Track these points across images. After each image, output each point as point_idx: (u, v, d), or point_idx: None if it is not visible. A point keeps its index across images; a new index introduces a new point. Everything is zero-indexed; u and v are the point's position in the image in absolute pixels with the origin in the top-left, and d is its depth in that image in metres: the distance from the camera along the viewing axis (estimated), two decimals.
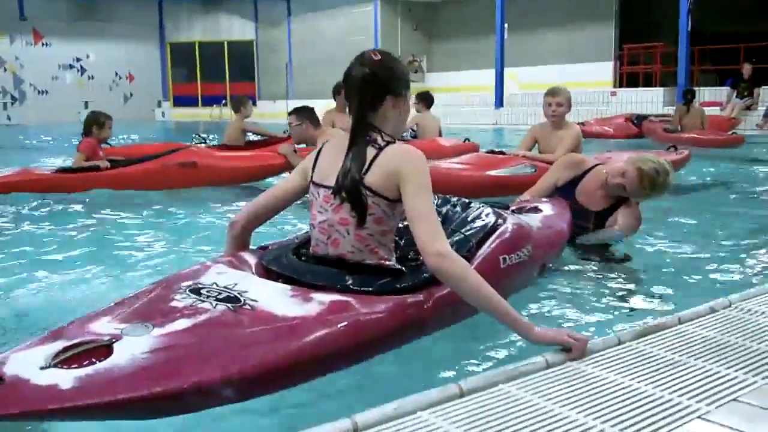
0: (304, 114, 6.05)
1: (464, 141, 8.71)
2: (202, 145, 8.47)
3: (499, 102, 18.52)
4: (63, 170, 6.57)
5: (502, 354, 2.35)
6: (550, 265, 3.32)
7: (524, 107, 17.68)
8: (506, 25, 18.15)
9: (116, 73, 28.08)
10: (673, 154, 6.90)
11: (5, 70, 25.71)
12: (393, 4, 23.45)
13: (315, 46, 25.39)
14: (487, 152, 6.27)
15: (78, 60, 27.22)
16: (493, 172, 5.53)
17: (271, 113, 24.04)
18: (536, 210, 3.59)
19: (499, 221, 2.91)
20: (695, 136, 10.91)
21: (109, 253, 4.10)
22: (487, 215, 2.96)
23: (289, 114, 6.18)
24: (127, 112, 25.63)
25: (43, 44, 26.38)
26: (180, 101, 28.97)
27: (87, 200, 6.07)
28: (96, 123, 6.64)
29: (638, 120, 13.33)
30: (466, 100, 20.11)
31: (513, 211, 3.46)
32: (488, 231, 2.78)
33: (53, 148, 12.99)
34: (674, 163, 6.64)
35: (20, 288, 3.33)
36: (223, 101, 25.61)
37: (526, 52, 20.24)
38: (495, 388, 1.74)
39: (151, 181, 6.49)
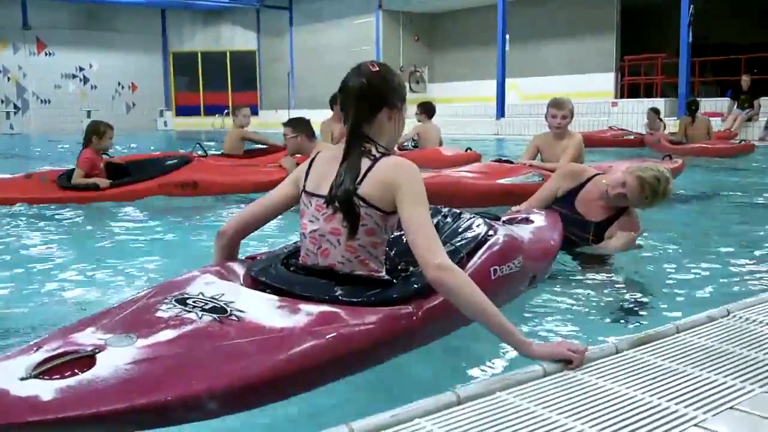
0: (300, 126, 5.96)
1: (466, 150, 8.75)
2: (202, 155, 8.26)
3: (501, 113, 18.57)
4: (62, 186, 6.41)
5: (499, 362, 2.35)
6: (541, 276, 3.30)
7: (525, 118, 17.72)
8: (507, 36, 18.21)
9: (119, 83, 28.19)
10: (668, 163, 6.97)
11: (8, 79, 25.83)
12: (395, 15, 23.54)
13: (317, 57, 25.48)
14: (495, 161, 6.33)
15: (81, 69, 27.34)
16: (502, 181, 5.57)
17: (273, 123, 24.09)
18: (527, 221, 3.57)
19: (490, 232, 2.89)
20: (705, 146, 10.96)
21: (96, 261, 4.06)
22: (477, 226, 2.94)
23: (284, 125, 6.08)
24: (130, 122, 25.73)
25: (46, 53, 26.50)
26: (182, 111, 29.07)
27: (78, 207, 6.05)
28: (96, 132, 6.49)
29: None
30: (467, 111, 20.16)
31: (504, 222, 3.44)
32: (479, 242, 2.76)
33: (55, 157, 13.00)
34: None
35: (2, 297, 3.28)
36: (226, 111, 25.68)
37: (528, 63, 20.31)
38: (492, 396, 1.74)
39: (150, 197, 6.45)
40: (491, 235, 2.86)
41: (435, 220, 3.07)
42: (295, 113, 24.79)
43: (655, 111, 12.87)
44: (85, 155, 6.49)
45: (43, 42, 26.32)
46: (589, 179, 4.03)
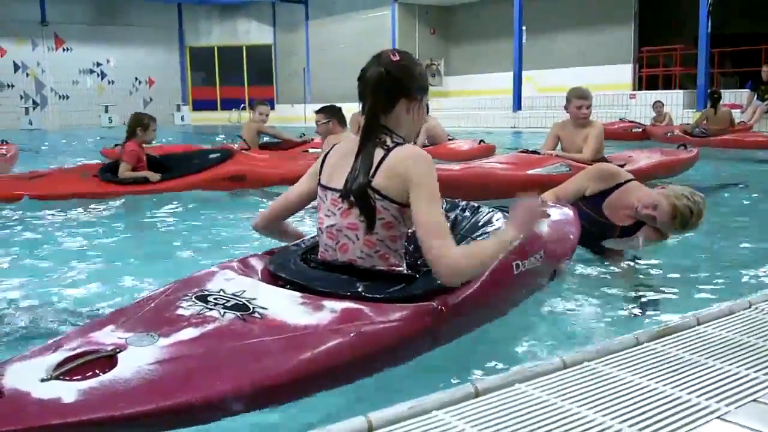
0: (331, 112, 6.18)
1: (479, 143, 8.74)
2: (245, 148, 7.75)
3: (517, 105, 18.47)
4: (109, 181, 6.26)
5: (518, 353, 2.34)
6: (562, 271, 3.26)
7: (542, 110, 17.61)
8: (524, 28, 18.10)
9: (136, 78, 28.33)
10: (683, 152, 7.00)
11: (27, 75, 26.04)
12: (410, 8, 23.46)
13: (333, 50, 25.46)
14: (521, 152, 6.38)
15: (98, 65, 27.50)
16: (531, 172, 5.61)
17: (290, 117, 24.14)
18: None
19: None
20: (738, 138, 10.90)
21: (117, 256, 4.05)
22: (497, 220, 2.90)
23: (317, 112, 6.28)
24: None
25: (64, 49, 26.67)
26: (199, 105, 29.17)
27: (100, 200, 6.04)
28: (141, 124, 6.44)
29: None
30: (484, 104, 20.08)
31: None
32: None
33: (76, 153, 13.08)
34: (683, 162, 6.74)
35: (21, 293, 3.24)
36: (242, 105, 25.74)
37: (544, 54, 20.16)
38: (511, 387, 1.72)
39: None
40: None
41: (453, 215, 3.06)
42: (311, 107, 24.84)
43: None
44: (129, 148, 6.43)
45: (60, 38, 26.50)
46: (620, 184, 3.86)
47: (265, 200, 6.01)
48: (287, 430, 1.86)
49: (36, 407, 1.49)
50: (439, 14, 23.89)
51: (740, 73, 17.78)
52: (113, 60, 27.66)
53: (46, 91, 26.45)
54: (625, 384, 1.74)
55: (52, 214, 5.57)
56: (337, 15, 25.54)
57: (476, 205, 3.15)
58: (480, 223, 2.94)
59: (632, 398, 1.66)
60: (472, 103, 20.20)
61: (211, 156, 6.89)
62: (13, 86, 25.74)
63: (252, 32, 28.98)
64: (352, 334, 1.90)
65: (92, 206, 5.89)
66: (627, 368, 1.85)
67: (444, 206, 3.01)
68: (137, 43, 27.87)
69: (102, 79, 27.66)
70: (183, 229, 5.03)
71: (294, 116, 24.57)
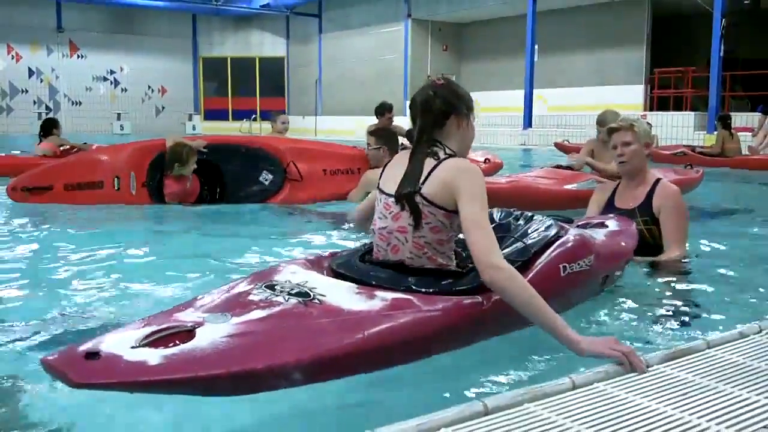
0: (384, 139, 5.84)
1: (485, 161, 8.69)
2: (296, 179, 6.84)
3: (528, 123, 18.49)
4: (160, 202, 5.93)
5: (528, 372, 2.33)
6: (614, 278, 3.32)
7: (552, 129, 17.62)
8: (536, 47, 18.16)
9: (149, 86, 28.55)
10: (691, 172, 7.07)
11: (41, 80, 26.25)
12: (423, 24, 23.57)
13: (345, 64, 25.59)
14: (555, 167, 6.76)
15: (112, 72, 27.75)
16: (568, 187, 5.89)
17: (300, 129, 24.22)
18: (602, 225, 3.62)
19: (561, 233, 2.95)
20: (758, 159, 11.03)
21: (192, 261, 4.14)
22: (548, 228, 3.01)
23: (369, 133, 5.99)
24: (159, 125, 26.05)
25: (78, 56, 26.92)
26: (211, 115, 29.34)
27: (173, 211, 5.95)
28: (178, 160, 5.73)
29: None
30: (494, 121, 20.11)
31: (578, 226, 3.48)
32: (549, 241, 2.85)
33: None
34: (690, 182, 6.90)
35: (111, 289, 3.43)
36: (253, 116, 25.85)
37: (556, 73, 20.21)
38: (520, 407, 1.72)
39: None
40: (562, 235, 2.92)
41: (507, 221, 3.23)
42: (322, 120, 25.00)
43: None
44: (169, 189, 5.89)
45: (75, 44, 26.73)
46: (616, 187, 4.17)
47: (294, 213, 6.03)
48: None
49: (127, 366, 1.73)
50: (451, 31, 23.99)
51: (751, 96, 17.78)
52: (126, 68, 27.87)
53: (59, 96, 26.68)
54: (633, 407, 1.74)
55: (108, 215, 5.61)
56: (350, 29, 25.67)
57: (530, 214, 3.27)
58: (531, 230, 3.06)
59: (641, 421, 1.65)
60: (482, 120, 20.20)
61: (261, 181, 6.55)
62: (27, 91, 25.99)
63: (265, 44, 29.16)
64: (401, 319, 2.11)
65: (141, 211, 5.89)
66: (636, 391, 1.84)
67: (499, 214, 3.25)
68: (151, 52, 28.09)
69: (115, 86, 27.87)
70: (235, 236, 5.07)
71: (304, 128, 24.67)
